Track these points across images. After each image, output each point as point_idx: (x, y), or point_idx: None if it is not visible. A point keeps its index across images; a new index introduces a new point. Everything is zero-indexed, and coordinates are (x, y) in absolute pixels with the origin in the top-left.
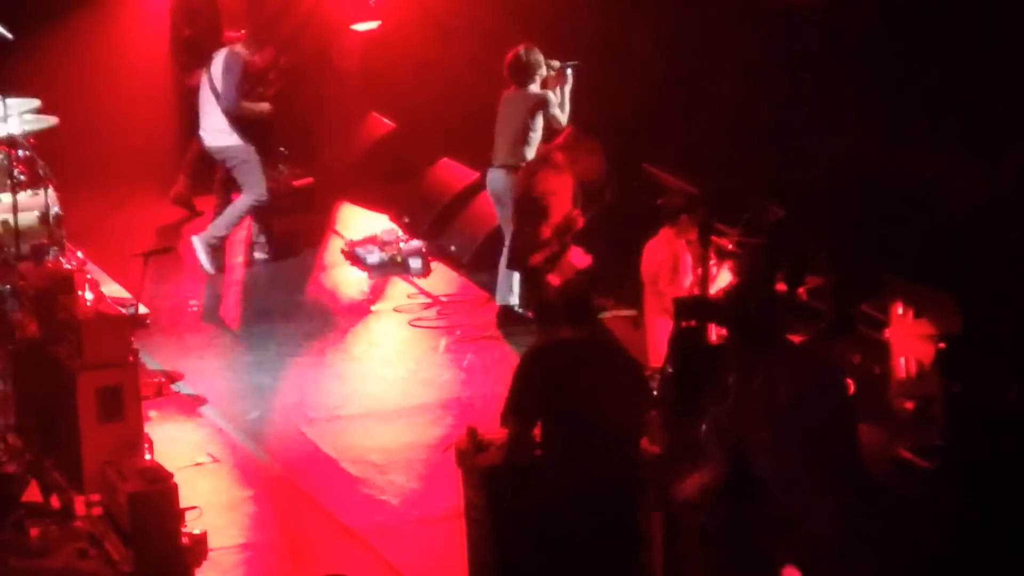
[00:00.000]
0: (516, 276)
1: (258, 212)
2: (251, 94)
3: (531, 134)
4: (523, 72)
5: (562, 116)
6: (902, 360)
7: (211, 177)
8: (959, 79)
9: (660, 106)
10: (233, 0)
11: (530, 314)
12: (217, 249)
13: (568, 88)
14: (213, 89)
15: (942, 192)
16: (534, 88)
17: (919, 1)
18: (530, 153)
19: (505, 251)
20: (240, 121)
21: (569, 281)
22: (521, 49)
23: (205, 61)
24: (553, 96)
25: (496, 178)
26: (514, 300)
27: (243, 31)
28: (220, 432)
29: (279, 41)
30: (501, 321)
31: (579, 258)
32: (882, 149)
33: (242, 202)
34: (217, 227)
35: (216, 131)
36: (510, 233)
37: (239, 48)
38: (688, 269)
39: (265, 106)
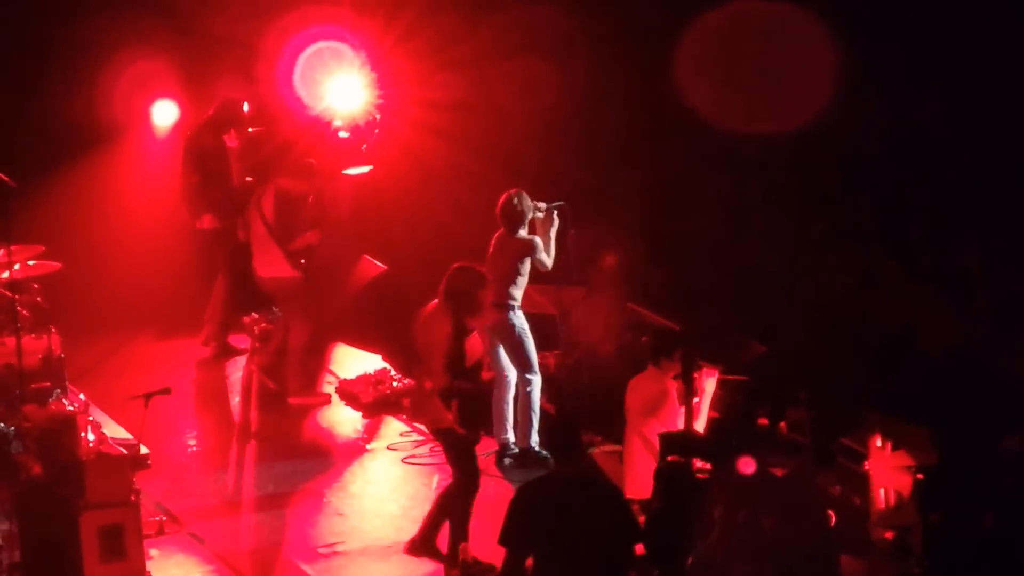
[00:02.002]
0: (511, 412)
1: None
2: (300, 223)
3: (519, 277)
4: (513, 218)
5: (548, 259)
6: (882, 491)
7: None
8: (930, 220)
9: (644, 245)
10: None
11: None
12: None
13: (554, 229)
14: (266, 225)
15: (917, 329)
16: (523, 233)
17: (889, 145)
18: (517, 294)
19: (497, 389)
20: (295, 253)
21: (554, 418)
22: (513, 195)
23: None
24: (540, 242)
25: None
26: (510, 436)
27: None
28: (221, 570)
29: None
30: (499, 458)
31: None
32: (858, 288)
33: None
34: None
35: (270, 264)
36: (498, 369)
37: (285, 183)
38: (674, 405)
39: (314, 234)
